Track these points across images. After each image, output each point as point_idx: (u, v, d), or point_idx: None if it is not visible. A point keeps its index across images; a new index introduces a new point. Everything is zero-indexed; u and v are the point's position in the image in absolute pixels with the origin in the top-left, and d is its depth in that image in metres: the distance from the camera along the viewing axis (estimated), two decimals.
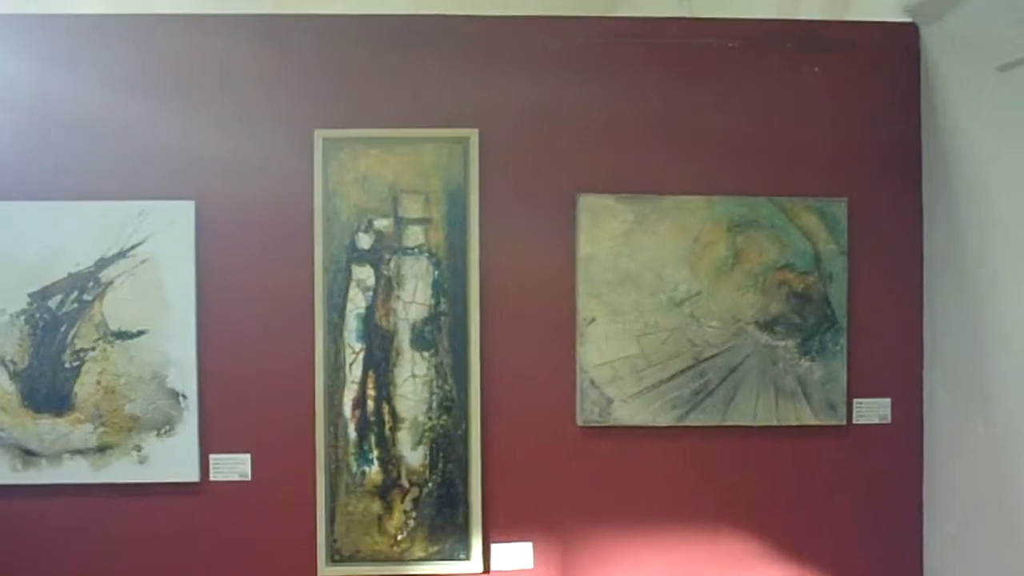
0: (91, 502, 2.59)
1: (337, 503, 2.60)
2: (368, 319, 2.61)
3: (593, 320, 2.61)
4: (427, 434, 2.61)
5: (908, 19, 2.69)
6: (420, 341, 2.61)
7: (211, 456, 2.60)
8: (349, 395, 2.60)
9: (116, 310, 2.59)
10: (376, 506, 2.61)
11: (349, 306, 2.61)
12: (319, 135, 2.59)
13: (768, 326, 2.63)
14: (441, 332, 2.61)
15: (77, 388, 2.59)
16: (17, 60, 2.60)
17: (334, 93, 2.62)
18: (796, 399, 2.63)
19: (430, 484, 2.61)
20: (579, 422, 2.62)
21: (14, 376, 2.58)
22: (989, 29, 2.40)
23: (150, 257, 2.59)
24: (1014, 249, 2.32)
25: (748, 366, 2.62)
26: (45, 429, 2.58)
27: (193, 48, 2.61)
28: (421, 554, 2.62)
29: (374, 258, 2.61)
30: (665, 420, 2.62)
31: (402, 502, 2.61)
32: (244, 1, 2.64)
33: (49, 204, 2.58)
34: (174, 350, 2.58)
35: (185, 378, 2.59)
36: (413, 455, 2.61)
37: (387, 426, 2.61)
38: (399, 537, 2.61)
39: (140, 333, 2.59)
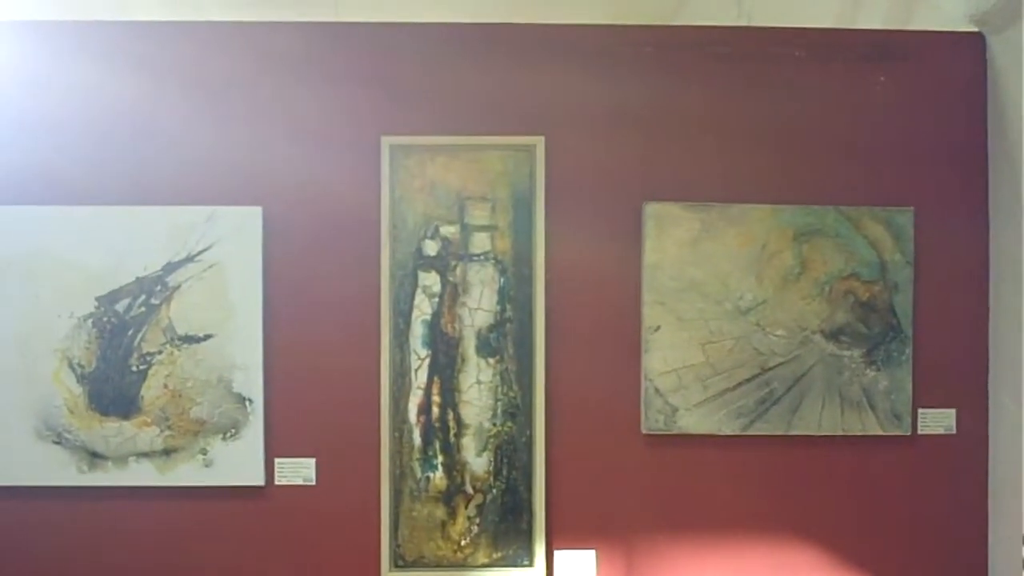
0: (156, 505, 2.61)
1: (401, 508, 2.61)
2: (434, 325, 2.62)
3: (658, 328, 2.61)
4: (492, 440, 2.62)
5: (974, 29, 2.68)
6: (485, 348, 2.62)
7: (276, 460, 2.62)
8: (414, 401, 2.61)
9: (183, 314, 2.60)
10: (440, 512, 2.61)
11: (415, 312, 2.62)
12: (386, 142, 2.61)
13: (834, 335, 2.63)
14: (506, 339, 2.62)
15: (144, 391, 2.61)
16: (87, 67, 2.63)
17: (401, 100, 2.64)
18: (861, 409, 2.63)
19: (494, 490, 2.61)
20: (644, 430, 2.62)
21: (81, 379, 2.60)
22: None
23: (217, 262, 2.61)
24: None
25: (813, 375, 2.62)
26: (111, 432, 2.60)
27: (262, 56, 2.64)
28: (484, 560, 2.62)
29: (440, 265, 2.62)
30: (730, 429, 2.62)
31: (466, 508, 2.61)
32: (314, 10, 2.66)
33: (118, 209, 2.61)
34: (240, 354, 2.60)
35: (251, 382, 2.60)
36: (478, 461, 2.62)
37: (452, 432, 2.62)
38: (463, 543, 2.62)
39: (207, 337, 2.61)
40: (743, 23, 2.77)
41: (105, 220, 2.60)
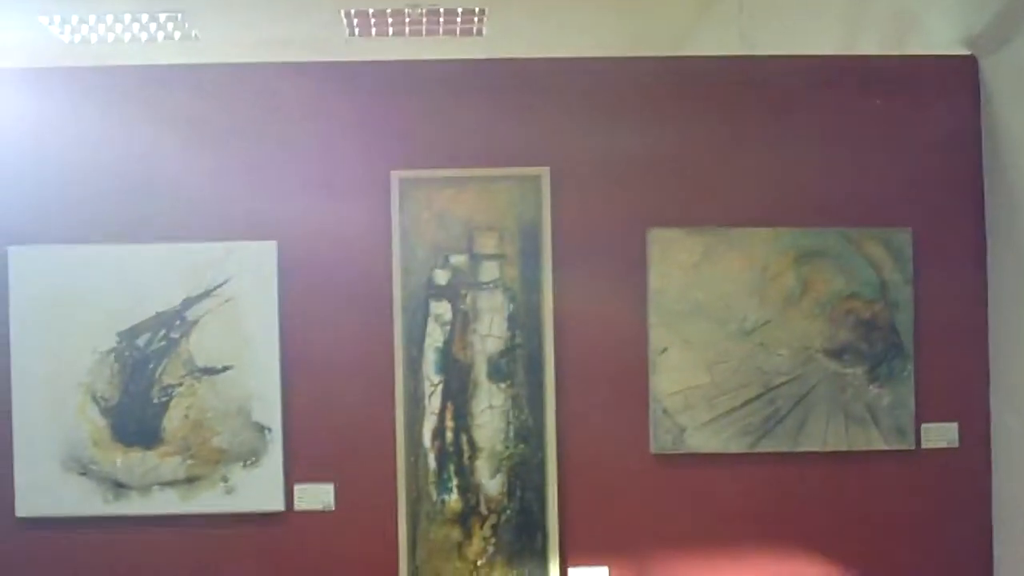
0: (180, 532, 2.68)
1: (418, 531, 2.68)
2: (446, 352, 2.69)
3: (665, 350, 2.68)
4: (505, 462, 2.69)
5: (967, 52, 2.75)
6: (497, 373, 2.69)
7: (296, 486, 2.69)
8: (428, 426, 2.68)
9: (202, 347, 2.68)
10: (456, 533, 2.68)
11: (427, 340, 2.69)
12: (396, 176, 2.68)
13: (836, 354, 2.69)
14: (517, 364, 2.69)
15: (165, 422, 2.68)
16: (106, 109, 2.72)
17: (410, 135, 2.72)
18: (865, 425, 2.69)
19: (508, 511, 2.68)
20: (653, 450, 2.69)
21: (105, 412, 2.67)
22: None
23: (234, 296, 2.68)
24: None
25: (818, 393, 2.68)
26: (135, 462, 2.67)
27: (274, 96, 2.72)
28: None
29: (451, 293, 2.69)
30: (737, 447, 2.68)
31: (481, 529, 2.68)
32: (322, 50, 2.74)
33: (136, 247, 2.69)
34: (258, 385, 2.67)
35: (269, 411, 2.67)
36: (491, 483, 2.68)
37: (466, 455, 2.69)
38: (479, 563, 2.68)
39: (225, 369, 2.68)
40: (746, 51, 2.83)
41: (125, 258, 2.68)
